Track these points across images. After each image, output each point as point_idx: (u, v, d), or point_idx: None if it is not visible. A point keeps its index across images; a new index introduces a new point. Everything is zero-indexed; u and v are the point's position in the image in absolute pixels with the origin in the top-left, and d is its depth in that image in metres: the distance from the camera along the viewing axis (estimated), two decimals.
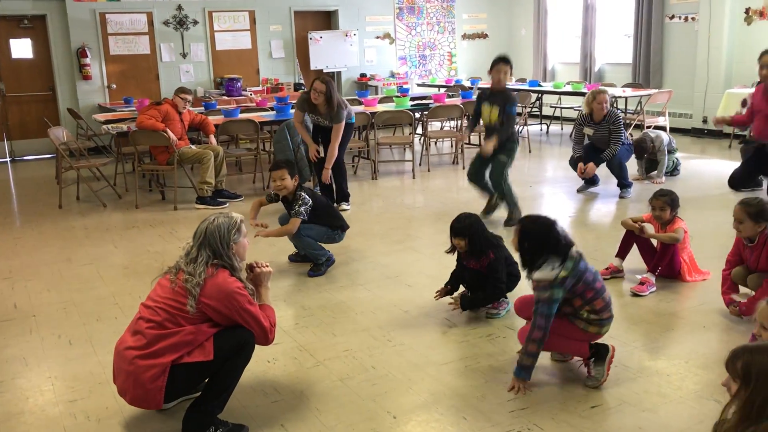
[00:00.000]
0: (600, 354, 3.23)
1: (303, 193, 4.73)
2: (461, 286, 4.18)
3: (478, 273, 4.04)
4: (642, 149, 7.38)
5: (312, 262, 4.95)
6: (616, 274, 4.57)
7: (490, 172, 6.03)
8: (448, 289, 4.17)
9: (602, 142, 6.90)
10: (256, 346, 2.95)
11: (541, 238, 3.13)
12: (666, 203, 4.45)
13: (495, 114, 5.85)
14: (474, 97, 9.67)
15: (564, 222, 5.98)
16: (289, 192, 4.76)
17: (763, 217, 3.75)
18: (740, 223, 3.80)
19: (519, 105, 10.35)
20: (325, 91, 6.40)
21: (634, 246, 4.60)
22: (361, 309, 4.25)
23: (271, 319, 2.99)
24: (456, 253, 4.14)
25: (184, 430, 2.89)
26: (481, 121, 6.11)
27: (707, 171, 7.92)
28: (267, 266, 3.13)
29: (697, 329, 3.78)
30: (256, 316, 2.88)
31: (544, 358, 3.46)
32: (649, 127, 9.34)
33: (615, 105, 9.89)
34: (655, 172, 7.56)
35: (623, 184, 7.01)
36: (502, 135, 5.84)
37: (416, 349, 3.66)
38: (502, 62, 5.89)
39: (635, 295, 4.26)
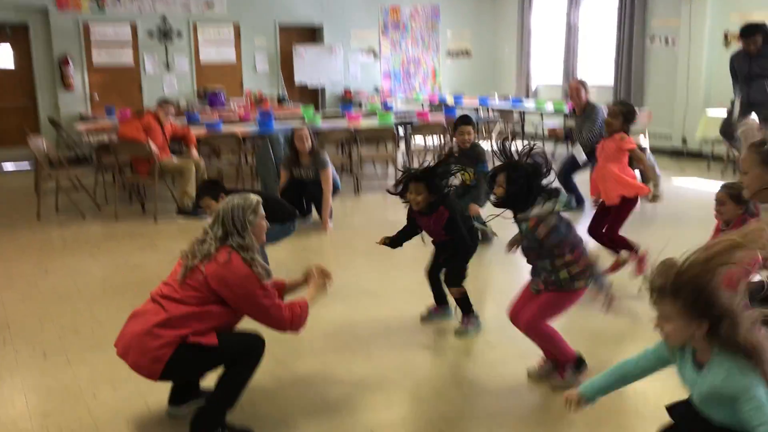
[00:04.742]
0: (579, 365, 3.33)
1: None
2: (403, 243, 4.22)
3: (446, 243, 3.99)
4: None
5: None
6: None
7: None
8: (388, 242, 4.18)
9: (578, 134, 6.69)
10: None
11: (529, 180, 3.13)
12: (620, 112, 4.74)
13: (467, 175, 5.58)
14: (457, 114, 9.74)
15: None
16: None
17: (743, 199, 3.73)
18: (722, 205, 3.81)
19: (501, 122, 10.55)
20: (310, 135, 6.45)
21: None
22: (341, 324, 4.24)
23: (294, 309, 2.99)
24: (408, 211, 4.10)
25: None
26: None
27: (686, 191, 8.02)
28: (330, 281, 3.27)
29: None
30: (270, 305, 2.91)
31: (522, 380, 3.46)
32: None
33: None
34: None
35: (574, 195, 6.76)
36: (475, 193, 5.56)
37: (395, 364, 3.66)
38: (462, 124, 5.68)
39: None
